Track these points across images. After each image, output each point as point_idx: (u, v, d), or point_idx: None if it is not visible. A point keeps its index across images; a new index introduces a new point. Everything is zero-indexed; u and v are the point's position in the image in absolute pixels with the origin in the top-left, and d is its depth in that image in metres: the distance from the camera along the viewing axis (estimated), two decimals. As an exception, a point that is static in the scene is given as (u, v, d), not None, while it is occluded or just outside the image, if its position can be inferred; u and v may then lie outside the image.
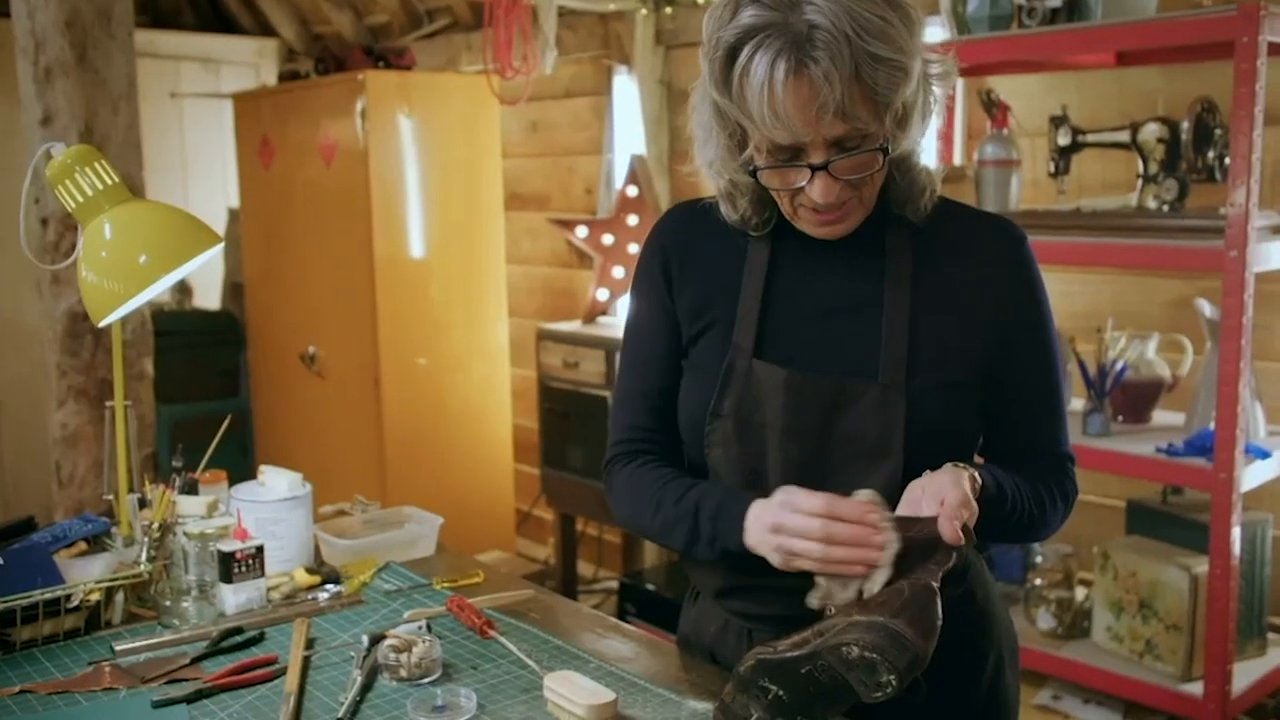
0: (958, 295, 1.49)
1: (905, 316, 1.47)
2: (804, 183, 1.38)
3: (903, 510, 1.37)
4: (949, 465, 1.40)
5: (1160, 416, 2.91)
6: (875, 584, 1.31)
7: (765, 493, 1.43)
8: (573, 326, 4.24)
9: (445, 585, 1.92)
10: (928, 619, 1.26)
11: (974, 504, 1.35)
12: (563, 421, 4.13)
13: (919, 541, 1.33)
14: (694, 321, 1.57)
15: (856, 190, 1.41)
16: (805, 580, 1.37)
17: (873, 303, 1.48)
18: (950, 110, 3.28)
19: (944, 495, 1.34)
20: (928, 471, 1.40)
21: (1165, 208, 2.66)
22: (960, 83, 3.30)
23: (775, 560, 1.37)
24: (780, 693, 1.26)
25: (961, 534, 1.31)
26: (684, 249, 1.59)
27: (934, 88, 1.42)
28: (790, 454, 1.47)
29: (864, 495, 1.36)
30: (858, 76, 1.29)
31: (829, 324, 1.50)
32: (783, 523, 1.35)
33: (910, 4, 1.34)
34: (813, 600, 1.35)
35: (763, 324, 1.51)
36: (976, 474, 1.40)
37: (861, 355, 1.47)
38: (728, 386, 1.50)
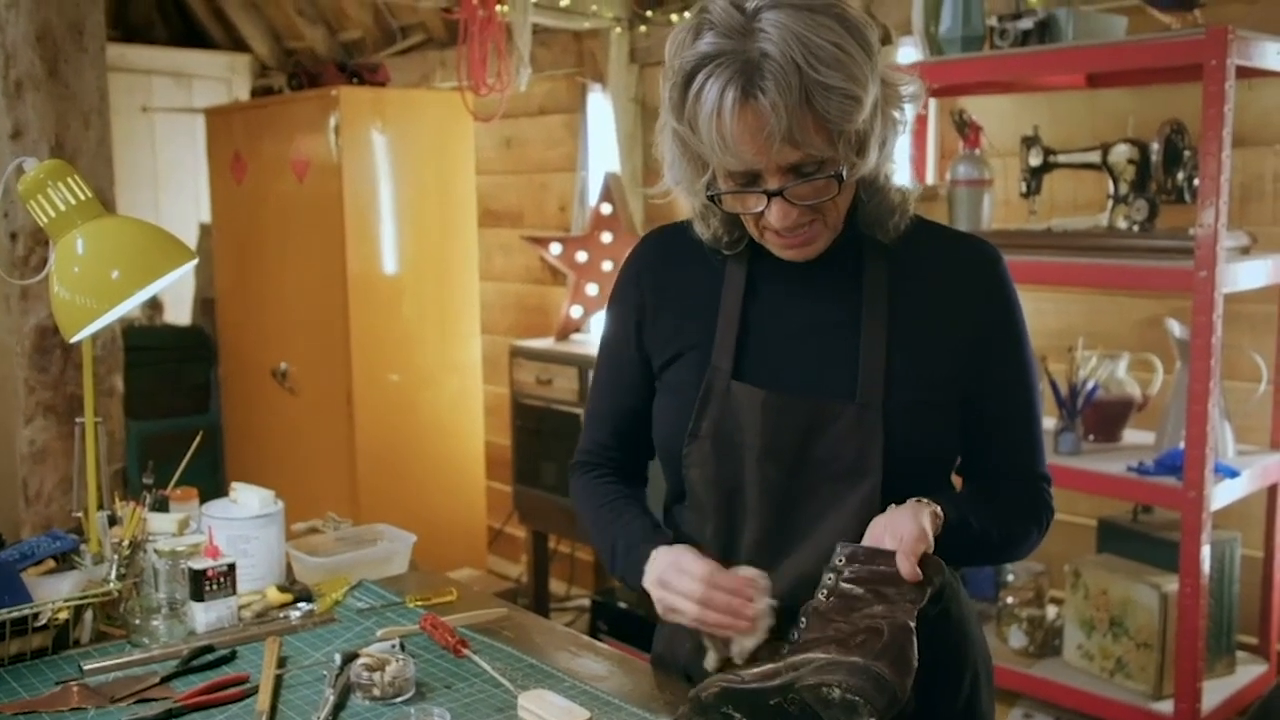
0: (934, 315, 1.50)
1: (882, 337, 1.47)
2: (761, 208, 1.39)
3: (867, 543, 1.39)
4: (911, 501, 1.41)
5: (1131, 435, 2.93)
6: (744, 647, 1.39)
7: (742, 514, 1.47)
8: (546, 343, 4.23)
9: (418, 603, 1.91)
10: (905, 659, 1.29)
11: (930, 539, 1.37)
12: (535, 438, 4.12)
13: (887, 575, 1.35)
14: (668, 346, 1.58)
15: (819, 214, 1.41)
16: (774, 595, 1.41)
17: (850, 323, 1.49)
18: (923, 130, 3.30)
19: (901, 532, 1.36)
20: (891, 506, 1.42)
21: (1135, 228, 2.69)
22: (933, 103, 3.32)
23: (659, 609, 1.46)
24: None
25: (919, 570, 1.34)
26: (659, 276, 1.61)
27: (897, 110, 1.41)
28: (768, 475, 1.47)
29: (748, 572, 1.42)
30: (809, 105, 1.29)
31: (806, 345, 1.50)
32: (669, 580, 1.43)
33: (867, 29, 1.34)
34: (709, 663, 1.43)
35: (741, 346, 1.51)
36: (939, 509, 1.41)
37: (839, 376, 1.47)
38: (706, 407, 1.50)
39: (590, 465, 1.69)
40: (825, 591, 1.37)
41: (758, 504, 1.48)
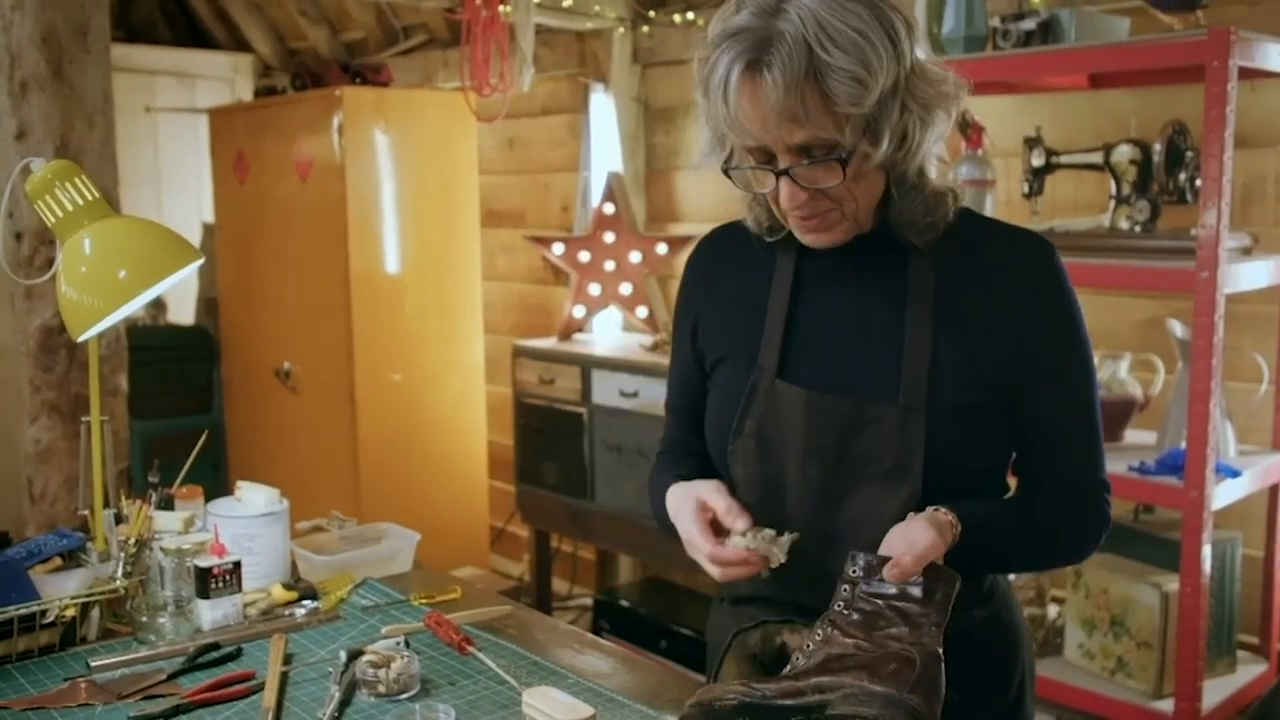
0: (983, 314, 1.47)
1: (927, 337, 1.45)
2: (770, 187, 1.41)
3: (883, 553, 1.39)
4: (929, 509, 1.40)
5: (1132, 435, 2.93)
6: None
7: (784, 513, 1.48)
8: (548, 343, 4.24)
9: (423, 601, 1.92)
10: (936, 689, 1.28)
11: (942, 550, 1.36)
12: (538, 438, 4.13)
13: (906, 591, 1.34)
14: (719, 345, 1.60)
15: (835, 202, 1.41)
16: (816, 595, 1.42)
17: (896, 323, 1.47)
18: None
19: (915, 542, 1.35)
20: (910, 514, 1.41)
21: (1137, 229, 2.69)
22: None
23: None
24: None
25: (913, 579, 1.34)
26: (712, 277, 1.64)
27: (927, 105, 1.40)
28: (809, 474, 1.48)
29: (737, 543, 1.44)
30: (815, 84, 1.31)
31: (852, 344, 1.50)
32: (684, 534, 1.49)
33: (897, 19, 1.35)
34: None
35: (787, 345, 1.52)
36: (955, 518, 1.39)
37: (883, 376, 1.46)
38: (750, 406, 1.51)
39: (667, 455, 1.73)
40: (842, 603, 1.36)
41: (799, 503, 1.48)
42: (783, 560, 1.41)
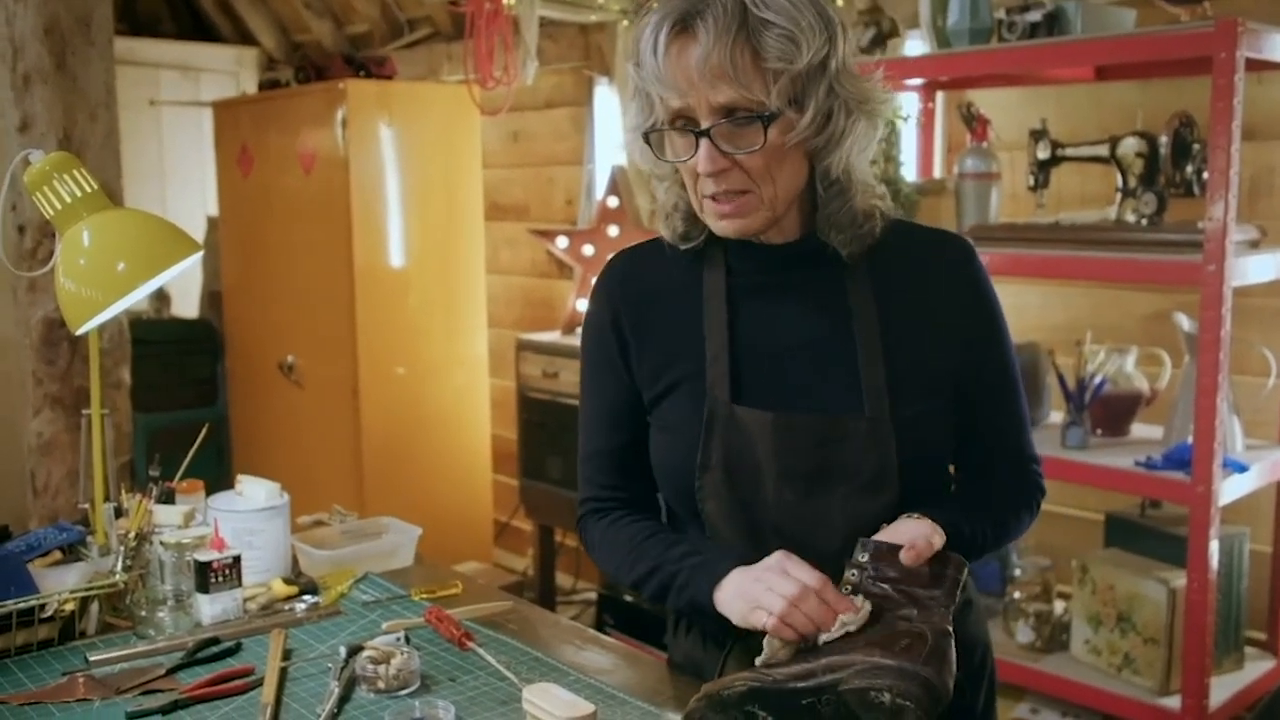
0: (922, 318, 1.49)
1: (878, 345, 1.46)
2: (691, 154, 1.40)
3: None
4: (903, 517, 1.42)
5: (1139, 430, 2.92)
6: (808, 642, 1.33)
7: (763, 539, 1.45)
8: (552, 337, 4.23)
9: (423, 596, 1.91)
10: (949, 662, 1.28)
11: (942, 539, 1.37)
12: (541, 432, 4.12)
13: (913, 573, 1.35)
14: (658, 380, 1.54)
15: (753, 182, 1.40)
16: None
17: (840, 335, 1.48)
18: (930, 123, 3.29)
19: (915, 535, 1.37)
20: (883, 525, 1.42)
21: (1144, 221, 2.68)
22: (940, 96, 3.31)
23: (744, 605, 1.36)
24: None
25: (930, 563, 1.35)
26: (635, 302, 1.57)
27: (858, 105, 1.41)
28: (785, 496, 1.46)
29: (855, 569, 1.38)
30: (746, 41, 1.33)
31: (800, 361, 1.49)
32: (767, 579, 1.35)
33: (834, 12, 1.38)
34: (762, 659, 1.34)
35: (734, 369, 1.49)
36: (935, 520, 1.41)
37: (841, 390, 1.46)
38: (711, 437, 1.47)
39: (604, 511, 1.62)
40: (849, 588, 1.36)
41: (779, 526, 1.47)
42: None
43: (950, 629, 1.31)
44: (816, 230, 1.47)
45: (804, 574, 1.34)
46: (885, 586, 1.35)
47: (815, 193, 1.46)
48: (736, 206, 1.42)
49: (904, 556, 1.35)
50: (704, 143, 1.38)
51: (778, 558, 1.38)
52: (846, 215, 1.46)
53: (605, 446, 1.61)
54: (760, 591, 1.35)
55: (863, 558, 1.38)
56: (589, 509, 1.64)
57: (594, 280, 1.64)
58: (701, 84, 1.35)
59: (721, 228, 1.45)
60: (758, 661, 1.35)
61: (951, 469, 1.60)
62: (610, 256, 1.64)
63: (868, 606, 1.33)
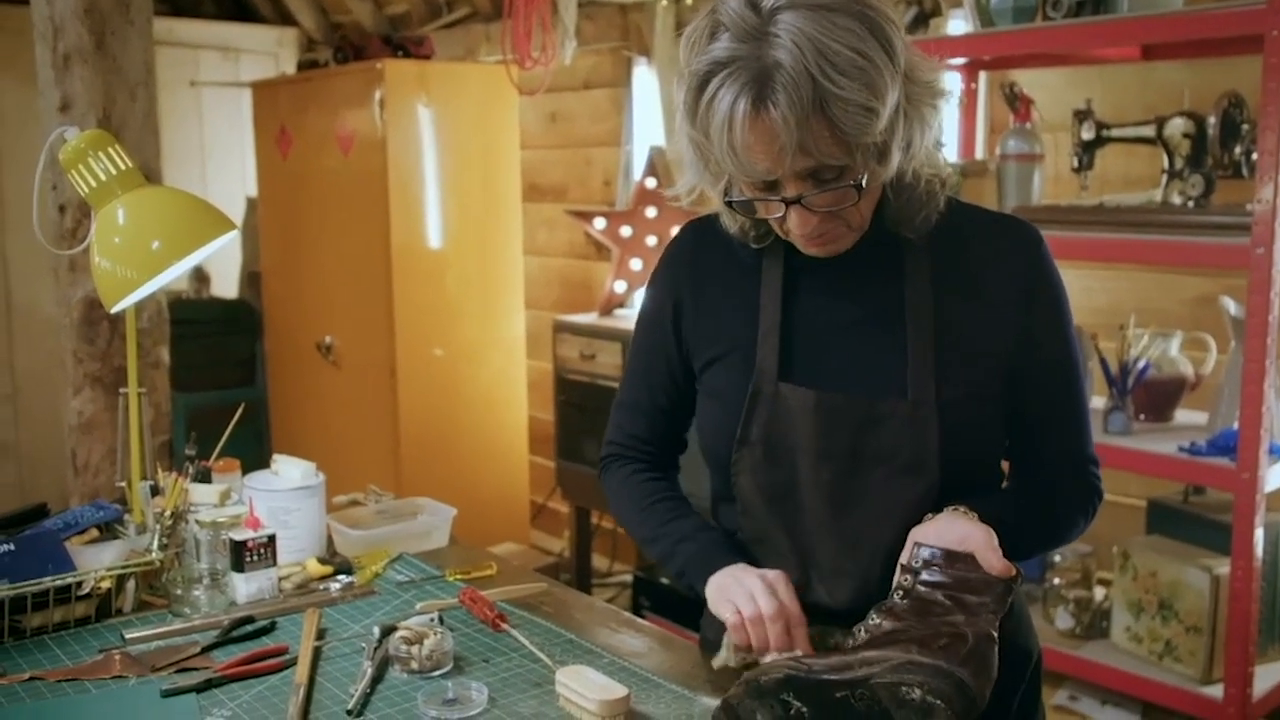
0: (978, 304, 1.46)
1: (929, 331, 1.43)
2: (780, 215, 1.36)
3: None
4: (948, 510, 1.39)
5: (1183, 415, 2.88)
6: (761, 661, 1.38)
7: (796, 517, 1.47)
8: (589, 318, 4.22)
9: (458, 577, 1.91)
10: (987, 667, 1.26)
11: (995, 543, 1.34)
12: (578, 414, 4.12)
13: (968, 581, 1.33)
14: (709, 348, 1.55)
15: (840, 218, 1.37)
16: (833, 596, 1.45)
17: (894, 318, 1.45)
18: (972, 104, 3.25)
19: (967, 535, 1.34)
20: (928, 515, 1.40)
21: (1190, 204, 2.63)
22: (983, 76, 3.27)
23: (715, 594, 1.46)
24: (804, 710, 1.25)
25: (1011, 565, 1.33)
26: (697, 273, 1.58)
27: (925, 109, 1.36)
28: (823, 477, 1.45)
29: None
30: (823, 114, 1.24)
31: (851, 342, 1.47)
32: (746, 581, 1.42)
33: (890, 27, 1.28)
34: (718, 661, 1.44)
35: (785, 346, 1.48)
36: (975, 514, 1.38)
37: (887, 373, 1.44)
38: (754, 412, 1.47)
39: (625, 459, 1.67)
40: (900, 592, 1.35)
41: (814, 507, 1.46)
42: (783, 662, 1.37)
43: (995, 635, 1.29)
44: (885, 221, 1.45)
45: (790, 602, 1.41)
46: (936, 593, 1.33)
47: (884, 189, 1.43)
48: (827, 239, 1.41)
49: (990, 562, 1.32)
50: (794, 209, 1.34)
51: (777, 574, 1.43)
52: (915, 205, 1.43)
53: (640, 401, 1.65)
54: (739, 592, 1.41)
55: (915, 562, 1.35)
56: (612, 453, 1.70)
57: (665, 248, 1.65)
58: (782, 162, 1.28)
59: (813, 252, 1.44)
60: (714, 663, 1.44)
61: (1005, 465, 1.57)
62: (679, 226, 1.66)
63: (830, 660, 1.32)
